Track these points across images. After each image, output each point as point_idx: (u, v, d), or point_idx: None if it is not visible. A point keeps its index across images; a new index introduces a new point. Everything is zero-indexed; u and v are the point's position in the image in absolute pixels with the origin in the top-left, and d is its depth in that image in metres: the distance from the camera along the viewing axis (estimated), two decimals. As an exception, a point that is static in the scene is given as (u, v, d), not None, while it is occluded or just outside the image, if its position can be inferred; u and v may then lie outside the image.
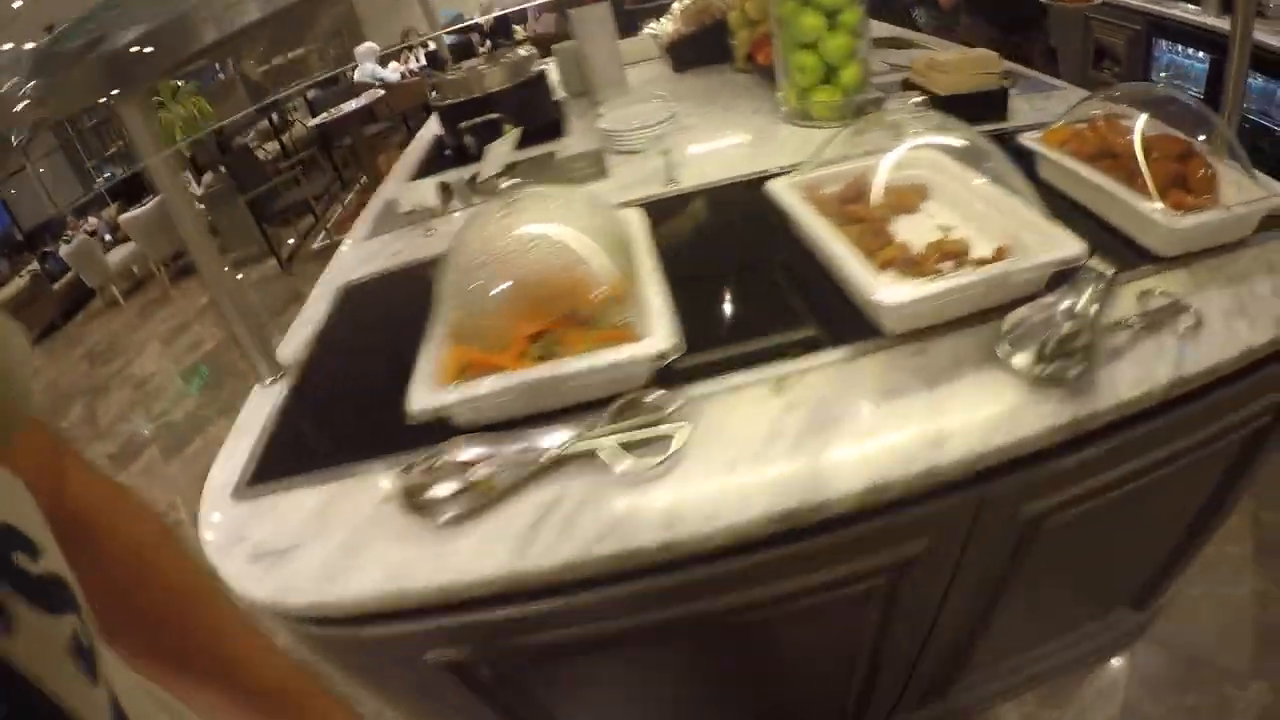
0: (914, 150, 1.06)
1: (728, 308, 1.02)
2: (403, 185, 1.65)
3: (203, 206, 5.59)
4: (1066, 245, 0.84)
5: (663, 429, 0.78)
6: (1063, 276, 0.85)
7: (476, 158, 1.81)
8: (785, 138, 1.57)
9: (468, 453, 0.80)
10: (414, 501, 0.76)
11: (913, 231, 1.01)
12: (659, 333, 0.82)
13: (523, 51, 2.10)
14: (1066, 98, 1.42)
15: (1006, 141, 1.11)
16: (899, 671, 1.16)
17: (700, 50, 2.23)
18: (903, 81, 1.57)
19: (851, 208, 1.02)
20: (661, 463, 0.75)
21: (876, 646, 1.03)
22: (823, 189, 1.08)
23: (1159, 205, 0.91)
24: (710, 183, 1.39)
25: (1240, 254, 0.90)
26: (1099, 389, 0.76)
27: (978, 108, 1.38)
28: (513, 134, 1.61)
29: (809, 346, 0.86)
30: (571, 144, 1.85)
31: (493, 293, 0.91)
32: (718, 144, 1.61)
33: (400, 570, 0.70)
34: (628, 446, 0.77)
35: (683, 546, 0.69)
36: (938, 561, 0.87)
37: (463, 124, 1.96)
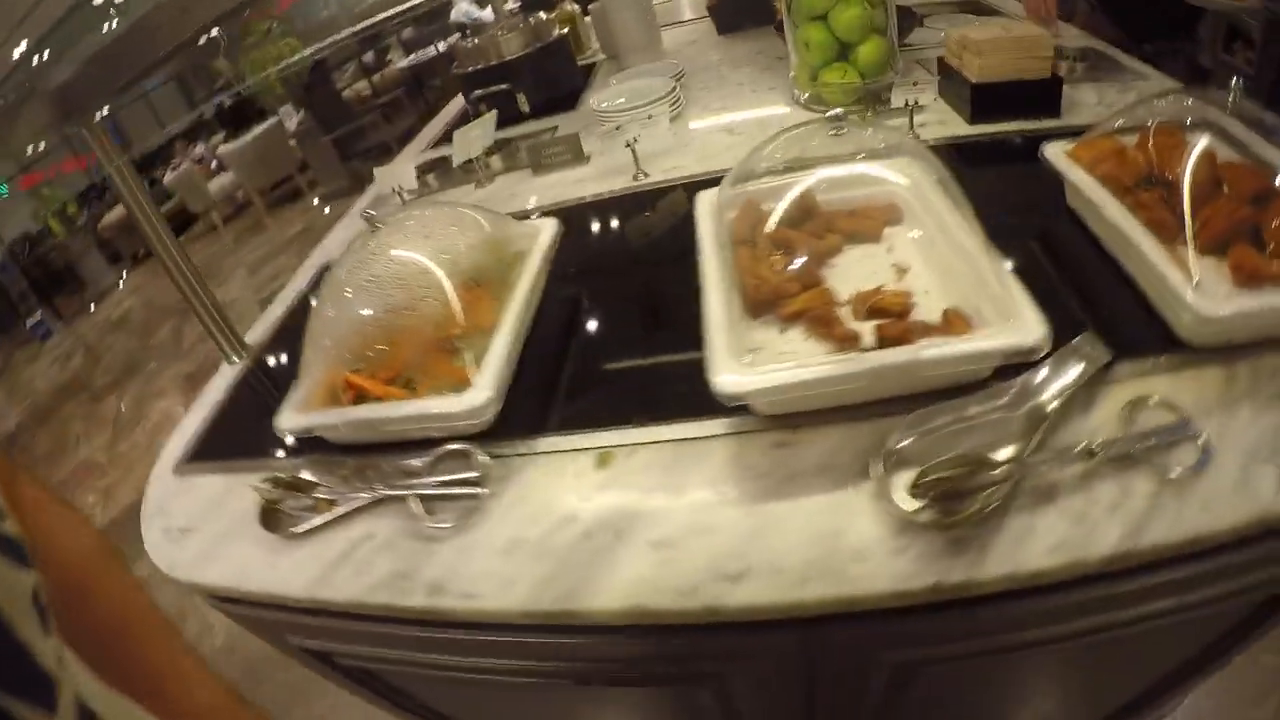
0: (884, 159, 0.90)
1: (586, 353, 0.93)
2: (388, 167, 1.64)
3: (294, 142, 5.95)
4: (1019, 328, 0.66)
5: (467, 490, 0.77)
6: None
7: (512, 120, 1.87)
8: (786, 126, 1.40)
9: (314, 475, 0.86)
10: (268, 509, 0.85)
11: (859, 268, 0.86)
12: (480, 385, 0.80)
13: (544, 15, 2.02)
14: (1152, 90, 1.15)
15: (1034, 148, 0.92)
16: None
17: (746, 10, 2.06)
18: (938, 61, 1.36)
19: (780, 232, 0.85)
20: (448, 526, 0.75)
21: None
22: (761, 204, 0.89)
23: (1195, 271, 0.67)
24: (677, 179, 1.31)
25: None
26: (991, 549, 0.60)
27: (1019, 101, 1.19)
28: (487, 117, 1.56)
29: (653, 415, 0.77)
30: (571, 121, 1.78)
31: (363, 313, 0.90)
32: (708, 129, 1.50)
33: (243, 570, 0.80)
34: (441, 498, 0.77)
35: (442, 615, 0.70)
36: (771, 695, 0.76)
37: (475, 93, 1.94)
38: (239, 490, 0.87)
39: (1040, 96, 1.18)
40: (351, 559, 0.75)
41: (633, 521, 0.68)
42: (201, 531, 0.87)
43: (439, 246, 0.95)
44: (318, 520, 0.81)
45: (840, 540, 0.61)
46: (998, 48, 1.22)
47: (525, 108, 1.91)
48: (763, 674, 0.74)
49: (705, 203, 0.93)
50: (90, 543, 0.57)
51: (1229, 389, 0.67)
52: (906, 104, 1.26)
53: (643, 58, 2.04)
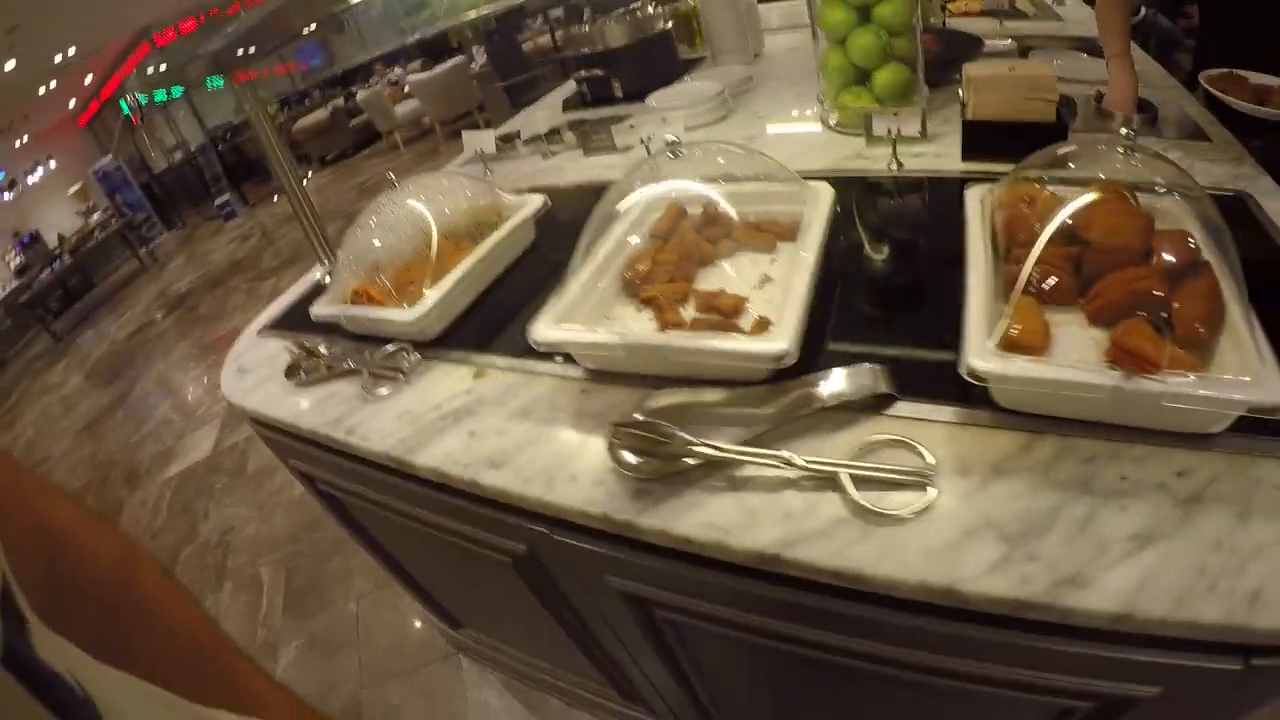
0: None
1: (510, 299, 1.22)
2: (475, 132, 1.97)
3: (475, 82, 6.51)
4: (774, 339, 0.80)
5: (396, 375, 1.14)
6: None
7: (602, 102, 2.19)
8: (802, 143, 1.61)
9: (324, 348, 1.26)
10: (291, 366, 1.25)
11: (737, 272, 1.05)
12: (421, 305, 1.14)
13: (651, 9, 2.27)
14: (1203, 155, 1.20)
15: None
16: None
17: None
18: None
19: (683, 233, 1.08)
20: (382, 394, 1.12)
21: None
22: (686, 208, 1.14)
23: (993, 329, 0.75)
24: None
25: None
26: (659, 507, 0.75)
27: (1016, 142, 1.16)
28: (547, 100, 1.87)
29: (516, 351, 1.07)
30: (640, 112, 2.04)
31: (374, 243, 1.24)
32: (726, 138, 1.68)
33: (266, 401, 1.21)
34: (382, 377, 1.14)
35: (349, 448, 1.08)
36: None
37: (573, 76, 2.24)
38: (283, 352, 1.29)
39: (1041, 140, 1.14)
40: (324, 404, 1.14)
41: (467, 416, 1.00)
42: (254, 374, 1.32)
43: (437, 206, 1.29)
44: (315, 377, 1.22)
45: (570, 464, 0.84)
46: (997, 85, 1.27)
47: (619, 93, 2.19)
48: (519, 556, 0.98)
49: (637, 200, 1.15)
50: (146, 567, 0.56)
51: (1004, 458, 0.73)
52: (889, 133, 1.36)
53: (734, 59, 2.25)
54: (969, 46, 1.79)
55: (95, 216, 8.79)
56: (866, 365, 0.81)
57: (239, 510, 3.14)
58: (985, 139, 1.31)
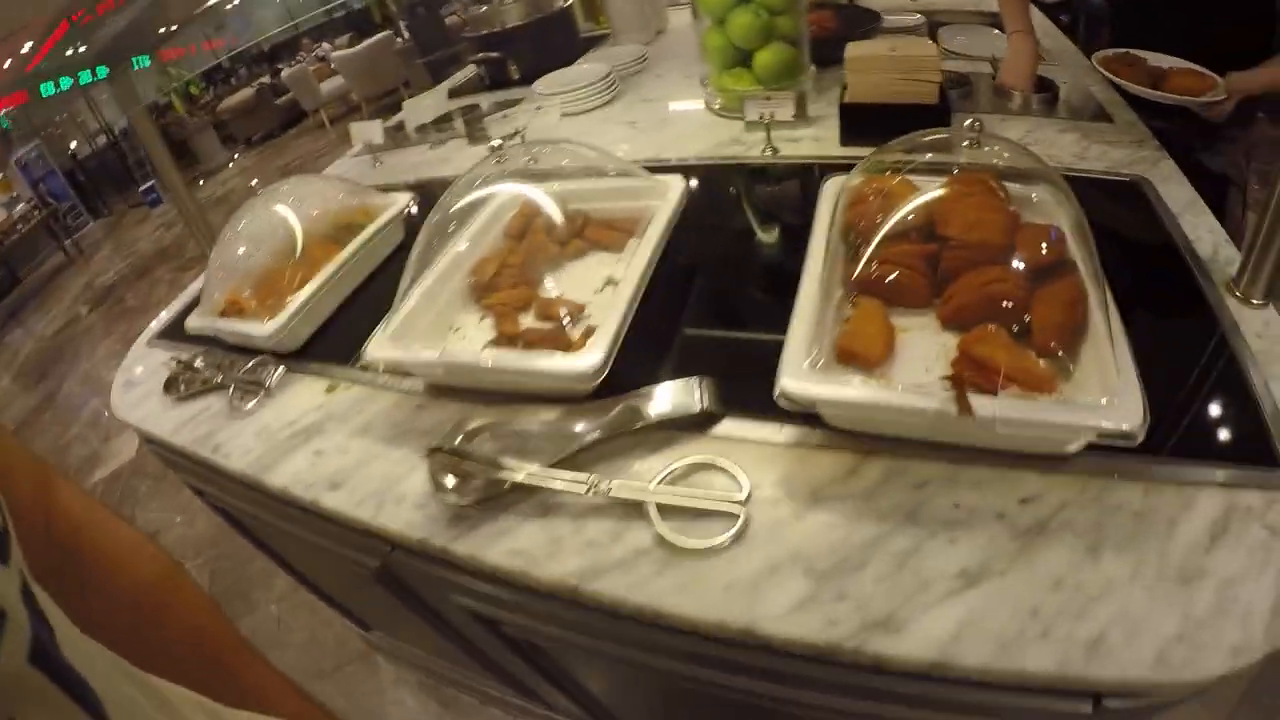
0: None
1: (369, 308, 1.15)
2: (362, 123, 1.91)
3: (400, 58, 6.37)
4: (581, 358, 0.78)
5: (259, 387, 1.12)
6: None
7: (500, 85, 2.14)
8: (683, 127, 1.58)
9: (201, 362, 1.22)
10: (170, 379, 1.22)
11: (585, 275, 1.01)
12: (277, 319, 1.11)
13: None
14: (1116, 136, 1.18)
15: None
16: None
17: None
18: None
19: (533, 235, 1.05)
20: (246, 409, 1.09)
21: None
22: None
23: (813, 347, 0.71)
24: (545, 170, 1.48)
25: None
26: (473, 534, 0.74)
27: (898, 126, 1.08)
28: (439, 88, 1.81)
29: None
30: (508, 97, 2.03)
31: (240, 253, 1.19)
32: (611, 121, 1.69)
33: (146, 417, 1.19)
34: (248, 390, 1.12)
35: (211, 465, 1.06)
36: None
37: (470, 59, 2.18)
38: (169, 363, 1.26)
39: (925, 123, 1.09)
40: (196, 420, 1.12)
41: (316, 434, 0.98)
42: (140, 387, 1.28)
43: (303, 211, 1.26)
44: (191, 391, 1.18)
45: (398, 485, 0.83)
46: (875, 65, 1.23)
47: (515, 75, 2.14)
48: (375, 570, 0.94)
49: (500, 198, 1.13)
50: (159, 565, 0.57)
51: (825, 484, 0.69)
52: (761, 118, 1.33)
53: (634, 37, 2.22)
54: (867, 23, 1.78)
55: (19, 208, 8.39)
56: (691, 380, 0.78)
57: (163, 514, 3.08)
58: (864, 122, 1.28)
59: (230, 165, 8.50)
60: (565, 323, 0.87)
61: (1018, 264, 0.72)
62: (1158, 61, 1.43)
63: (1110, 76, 1.39)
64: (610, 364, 0.79)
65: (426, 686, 1.90)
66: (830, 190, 0.95)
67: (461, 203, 1.02)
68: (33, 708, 0.27)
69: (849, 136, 1.32)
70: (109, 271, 7.12)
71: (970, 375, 0.66)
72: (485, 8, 2.23)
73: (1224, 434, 0.68)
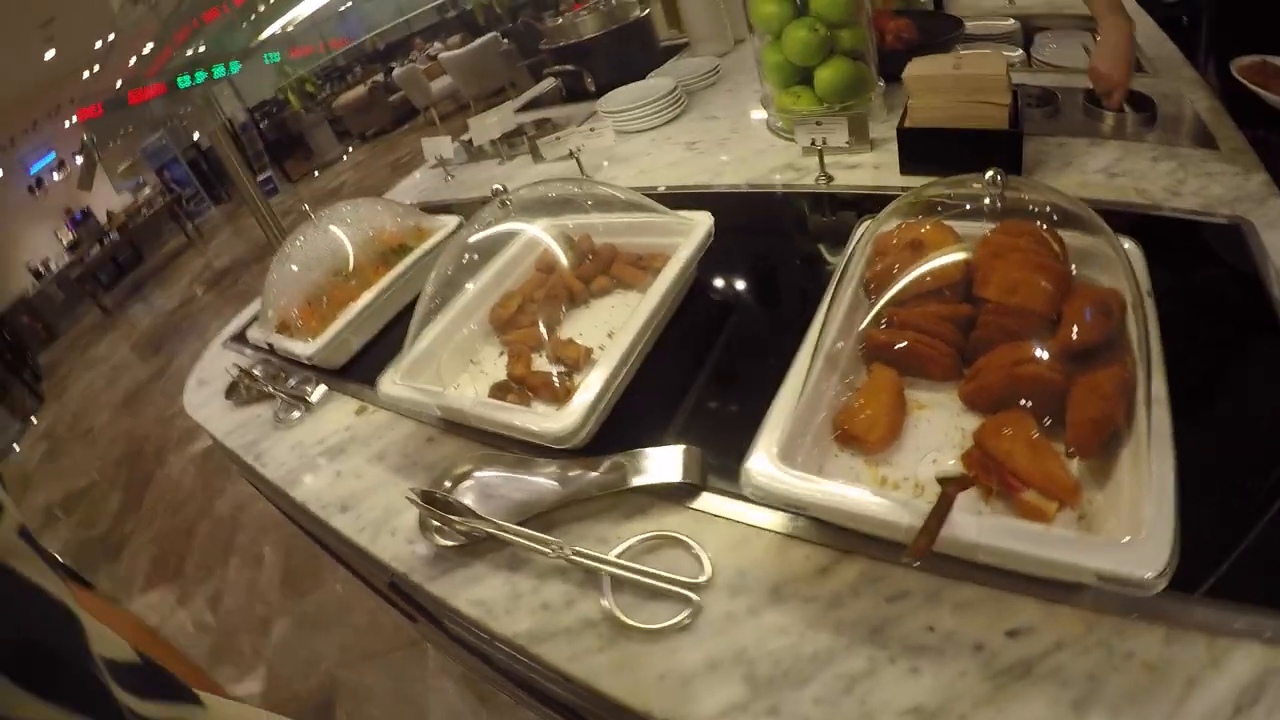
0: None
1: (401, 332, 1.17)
2: (433, 139, 1.96)
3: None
4: (558, 417, 0.76)
5: (301, 400, 1.18)
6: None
7: (577, 97, 2.15)
8: (742, 150, 1.53)
9: (259, 372, 1.31)
10: (232, 385, 1.32)
11: (606, 314, 1.01)
12: (320, 339, 1.16)
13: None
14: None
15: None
16: None
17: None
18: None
19: (558, 272, 1.05)
20: (293, 419, 1.16)
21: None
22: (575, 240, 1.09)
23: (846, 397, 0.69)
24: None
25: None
26: (448, 576, 0.75)
27: (965, 152, 1.07)
28: (505, 105, 1.84)
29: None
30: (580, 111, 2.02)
31: (294, 271, 1.25)
32: (670, 141, 1.67)
33: (209, 417, 1.31)
34: (292, 402, 1.18)
35: (254, 473, 1.14)
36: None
37: (545, 71, 2.21)
38: (230, 369, 1.34)
39: (995, 151, 1.07)
40: (246, 426, 1.20)
41: (340, 454, 1.03)
42: (209, 387, 1.40)
43: (358, 232, 1.32)
44: (249, 397, 1.28)
45: (396, 517, 0.86)
46: (937, 86, 1.12)
47: (591, 87, 2.16)
48: (388, 583, 0.93)
49: (528, 233, 1.12)
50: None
51: (790, 579, 0.64)
52: (814, 143, 1.26)
53: (710, 47, 2.19)
54: (948, 31, 1.62)
55: (145, 192, 9.09)
56: (676, 450, 0.75)
57: (249, 488, 3.26)
58: (926, 149, 1.18)
59: (344, 159, 8.91)
60: (561, 373, 0.88)
61: (1060, 340, 0.62)
62: None
63: (1254, 87, 1.18)
64: (590, 425, 0.78)
65: (468, 679, 1.96)
66: (862, 234, 0.85)
67: (471, 243, 1.03)
68: (21, 563, 0.31)
69: (909, 165, 1.22)
70: (225, 256, 7.63)
71: (981, 474, 0.58)
72: (562, 19, 2.24)
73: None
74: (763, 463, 0.61)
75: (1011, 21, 1.77)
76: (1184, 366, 0.60)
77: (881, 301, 0.73)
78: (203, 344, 1.63)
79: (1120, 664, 0.51)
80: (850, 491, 0.58)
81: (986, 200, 0.75)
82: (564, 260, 1.04)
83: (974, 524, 0.53)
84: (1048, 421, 0.60)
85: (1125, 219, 0.95)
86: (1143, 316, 0.63)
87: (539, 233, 1.07)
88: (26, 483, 4.57)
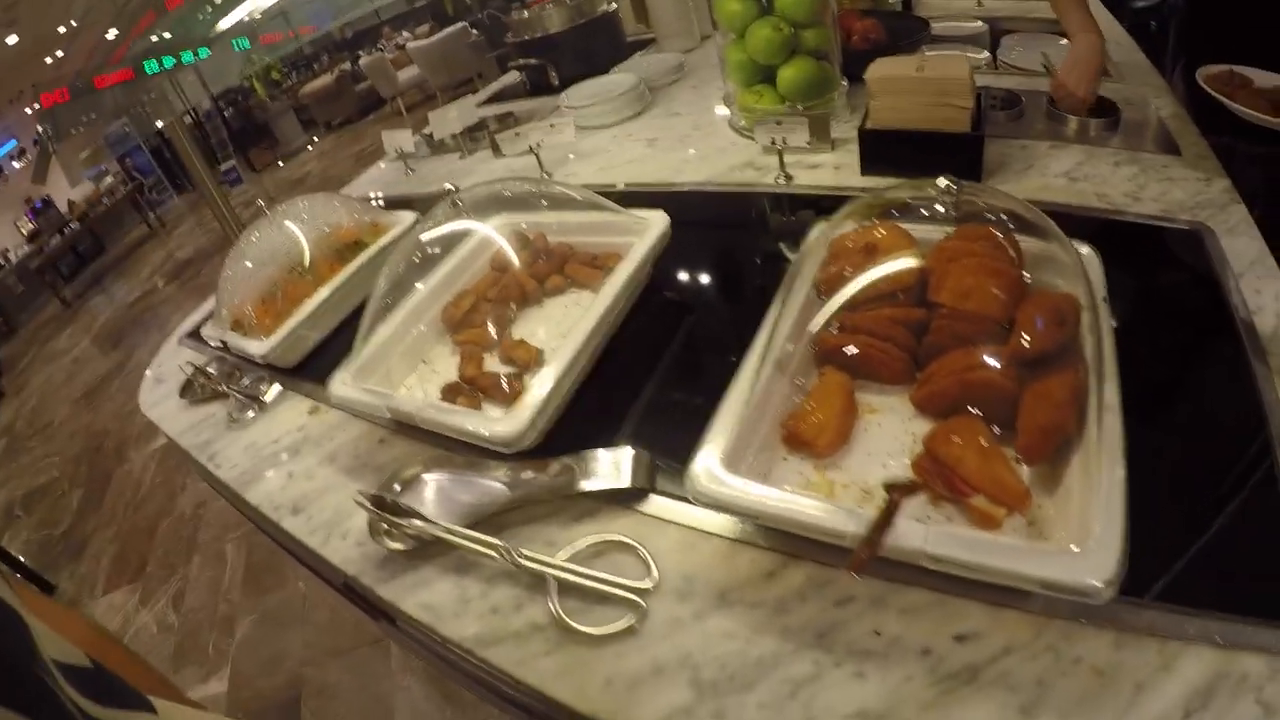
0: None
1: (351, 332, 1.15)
2: (392, 130, 1.94)
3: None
4: (504, 420, 0.76)
5: (255, 401, 1.17)
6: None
7: (541, 91, 2.13)
8: (703, 147, 1.52)
9: (213, 370, 1.29)
10: (187, 383, 1.29)
11: (558, 317, 1.01)
12: (271, 339, 1.14)
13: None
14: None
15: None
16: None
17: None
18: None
19: (512, 271, 1.04)
20: (246, 418, 1.15)
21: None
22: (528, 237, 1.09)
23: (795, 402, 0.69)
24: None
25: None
26: (395, 580, 0.74)
27: (926, 155, 1.06)
28: (466, 99, 1.83)
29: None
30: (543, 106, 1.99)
31: (248, 267, 1.24)
32: (631, 138, 1.67)
33: (163, 416, 1.28)
34: (245, 402, 1.16)
35: (210, 475, 1.12)
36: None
37: (510, 64, 2.20)
38: (184, 367, 1.32)
39: (956, 153, 1.08)
40: (200, 425, 1.18)
41: (293, 455, 1.01)
42: (165, 385, 1.37)
43: (313, 229, 1.30)
44: (203, 396, 1.25)
45: (346, 520, 0.85)
46: (899, 87, 1.11)
47: (555, 81, 2.12)
48: (342, 584, 0.90)
49: (480, 233, 1.12)
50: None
51: (738, 584, 0.64)
52: (774, 142, 1.27)
53: (676, 44, 2.19)
54: (915, 32, 1.63)
55: (107, 181, 8.88)
56: (624, 453, 0.75)
57: (209, 487, 3.21)
58: (887, 151, 1.18)
59: (309, 149, 8.78)
60: (511, 374, 0.88)
61: (1011, 346, 0.62)
62: (1267, 81, 1.21)
63: (1223, 99, 1.17)
64: (538, 428, 0.78)
65: (433, 677, 1.96)
66: (816, 236, 0.85)
67: (423, 241, 1.02)
68: None
69: (870, 166, 1.22)
70: (188, 246, 7.49)
71: (930, 480, 0.59)
72: (528, 12, 2.23)
73: (1237, 577, 0.55)
74: (707, 467, 0.61)
75: (979, 23, 1.79)
76: (1139, 373, 0.61)
77: (834, 304, 0.74)
78: (163, 337, 1.60)
79: (1069, 669, 0.51)
80: (794, 498, 0.58)
81: (939, 207, 0.76)
82: (517, 259, 1.04)
83: (920, 531, 0.53)
84: (997, 430, 0.61)
85: (1085, 223, 0.96)
86: (1097, 323, 0.64)
87: (492, 232, 1.06)
88: (-13, 479, 4.47)
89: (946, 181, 0.75)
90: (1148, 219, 0.96)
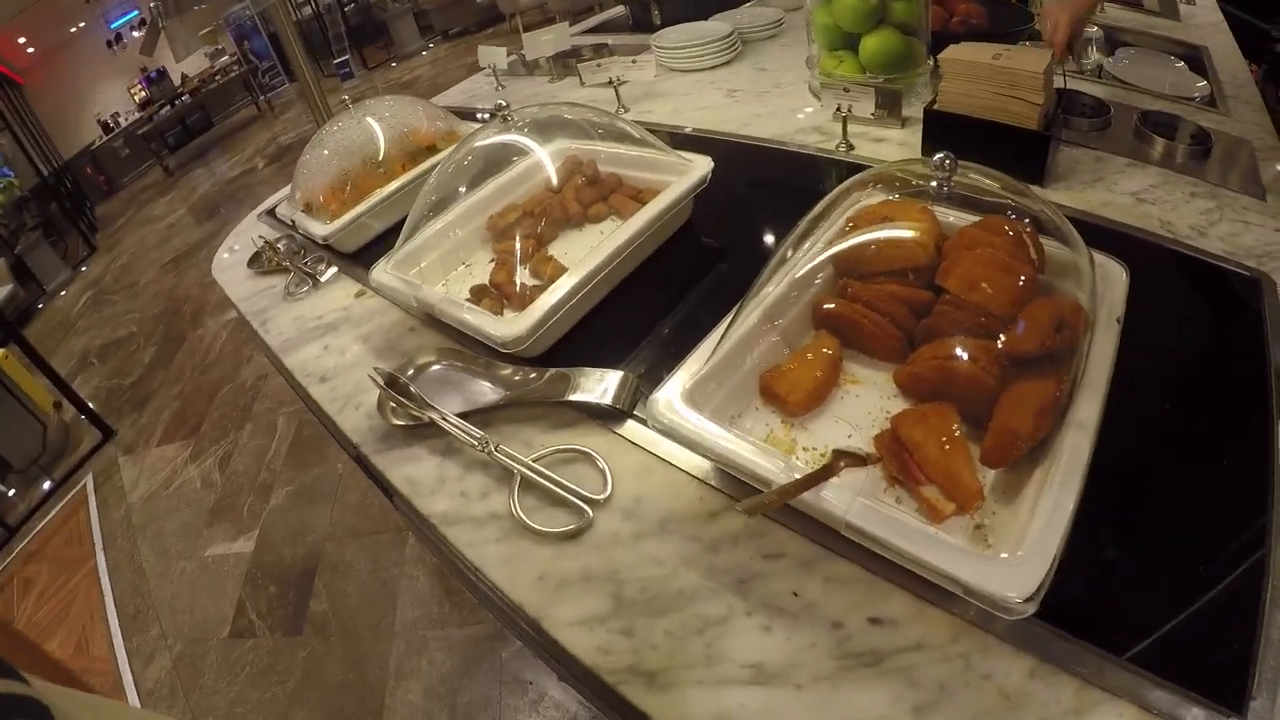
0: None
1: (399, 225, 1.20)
2: (488, 47, 2.01)
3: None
4: (509, 324, 0.84)
5: (311, 278, 1.29)
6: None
7: (642, 29, 2.19)
8: (777, 105, 1.54)
9: (281, 245, 1.42)
10: (255, 255, 1.45)
11: (592, 243, 1.03)
12: (335, 224, 1.24)
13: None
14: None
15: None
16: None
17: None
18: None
19: (555, 193, 1.12)
20: (301, 292, 1.28)
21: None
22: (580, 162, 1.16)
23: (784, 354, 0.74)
24: (645, 122, 1.52)
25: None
26: (390, 452, 0.83)
27: (990, 146, 1.04)
28: (561, 25, 1.86)
29: None
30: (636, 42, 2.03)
31: (324, 153, 1.35)
32: (713, 86, 1.68)
33: (231, 282, 1.44)
34: (303, 278, 1.29)
35: (259, 338, 1.79)
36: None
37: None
38: (256, 240, 1.47)
39: (1020, 150, 1.06)
40: (259, 294, 1.32)
41: (332, 331, 1.13)
42: (237, 254, 1.52)
43: (392, 127, 1.40)
44: (268, 268, 1.38)
45: (363, 394, 0.95)
46: (971, 73, 1.09)
47: (657, 20, 2.18)
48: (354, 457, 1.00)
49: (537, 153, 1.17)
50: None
51: (680, 516, 0.68)
52: (839, 109, 1.28)
53: (783, -1, 2.16)
54: (1017, 24, 1.60)
55: (222, 60, 9.23)
56: (617, 374, 0.82)
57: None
58: (951, 135, 1.15)
59: (423, 54, 8.92)
60: (535, 285, 0.95)
61: (1001, 344, 0.62)
62: None
63: None
64: (537, 336, 0.85)
65: (440, 572, 2.09)
66: (833, 198, 0.83)
67: (473, 150, 1.10)
68: None
69: (931, 148, 1.21)
70: (291, 132, 7.77)
71: (887, 458, 0.60)
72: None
73: (1182, 643, 0.52)
74: (667, 396, 0.66)
75: (1095, 29, 1.73)
76: (1147, 403, 0.61)
77: (836, 267, 0.76)
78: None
79: (975, 682, 0.50)
80: (737, 440, 0.62)
81: (934, 184, 0.75)
82: (566, 182, 1.10)
83: (847, 499, 0.55)
84: (967, 427, 0.61)
85: (1135, 244, 0.94)
86: (1099, 339, 0.63)
87: (545, 153, 1.12)
88: (69, 328, 4.84)
89: (943, 156, 0.74)
90: (1208, 256, 0.92)
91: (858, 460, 0.59)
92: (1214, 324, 0.84)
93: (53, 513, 2.98)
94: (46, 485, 3.10)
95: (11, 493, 3.11)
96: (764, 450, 0.61)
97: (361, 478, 2.52)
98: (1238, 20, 1.46)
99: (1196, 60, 1.52)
